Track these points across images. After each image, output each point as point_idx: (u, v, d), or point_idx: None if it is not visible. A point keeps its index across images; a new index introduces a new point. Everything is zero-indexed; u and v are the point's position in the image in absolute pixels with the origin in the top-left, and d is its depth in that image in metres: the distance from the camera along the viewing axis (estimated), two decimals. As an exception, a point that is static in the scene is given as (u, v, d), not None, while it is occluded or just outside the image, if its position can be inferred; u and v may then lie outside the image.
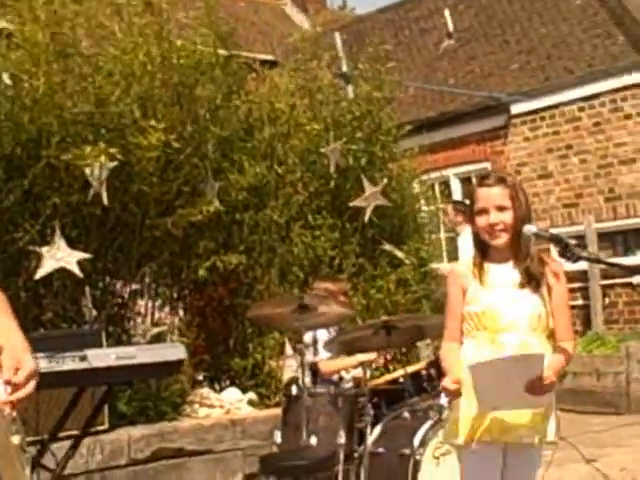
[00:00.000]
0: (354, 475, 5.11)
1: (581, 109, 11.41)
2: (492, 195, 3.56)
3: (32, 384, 2.19)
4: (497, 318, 3.53)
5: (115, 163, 6.17)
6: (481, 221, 3.56)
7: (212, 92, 7.25)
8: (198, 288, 7.50)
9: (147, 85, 6.81)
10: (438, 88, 13.16)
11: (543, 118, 11.78)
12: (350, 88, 9.00)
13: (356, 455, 5.16)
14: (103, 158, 6.08)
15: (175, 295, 7.50)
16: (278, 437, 5.26)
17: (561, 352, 3.55)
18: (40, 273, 6.08)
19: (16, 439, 2.26)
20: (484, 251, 3.64)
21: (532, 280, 3.55)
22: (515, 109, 11.99)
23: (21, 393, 2.16)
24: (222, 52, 7.50)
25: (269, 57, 9.14)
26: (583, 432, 7.61)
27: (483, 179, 3.63)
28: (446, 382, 3.48)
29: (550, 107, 11.67)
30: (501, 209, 3.53)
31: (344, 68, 9.60)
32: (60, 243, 6.11)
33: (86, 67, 6.56)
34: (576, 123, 11.46)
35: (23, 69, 6.21)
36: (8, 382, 2.13)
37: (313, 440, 5.06)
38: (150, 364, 4.59)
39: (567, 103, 11.50)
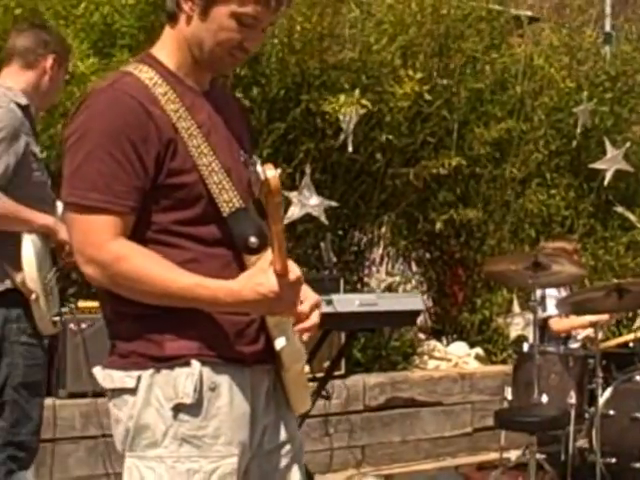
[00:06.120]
0: (585, 436, 5.22)
1: None
2: None
3: (317, 314, 2.29)
4: None
5: (364, 110, 6.26)
6: None
7: (474, 45, 7.25)
8: (431, 240, 7.60)
9: (413, 34, 6.89)
10: None
11: None
12: (608, 48, 8.72)
13: (587, 416, 5.27)
14: (354, 107, 6.18)
15: (409, 246, 7.61)
16: (509, 393, 5.38)
17: None
18: (288, 218, 6.17)
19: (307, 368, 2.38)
20: None
21: None
22: None
23: (307, 323, 2.27)
24: (492, 6, 7.51)
25: (534, 14, 8.99)
26: None
27: None
28: None
29: None
30: None
31: (607, 27, 9.24)
32: (309, 189, 6.22)
33: (358, 14, 6.65)
34: None
35: (299, 11, 6.29)
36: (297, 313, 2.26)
37: (544, 398, 5.17)
38: (391, 312, 4.77)
39: None
